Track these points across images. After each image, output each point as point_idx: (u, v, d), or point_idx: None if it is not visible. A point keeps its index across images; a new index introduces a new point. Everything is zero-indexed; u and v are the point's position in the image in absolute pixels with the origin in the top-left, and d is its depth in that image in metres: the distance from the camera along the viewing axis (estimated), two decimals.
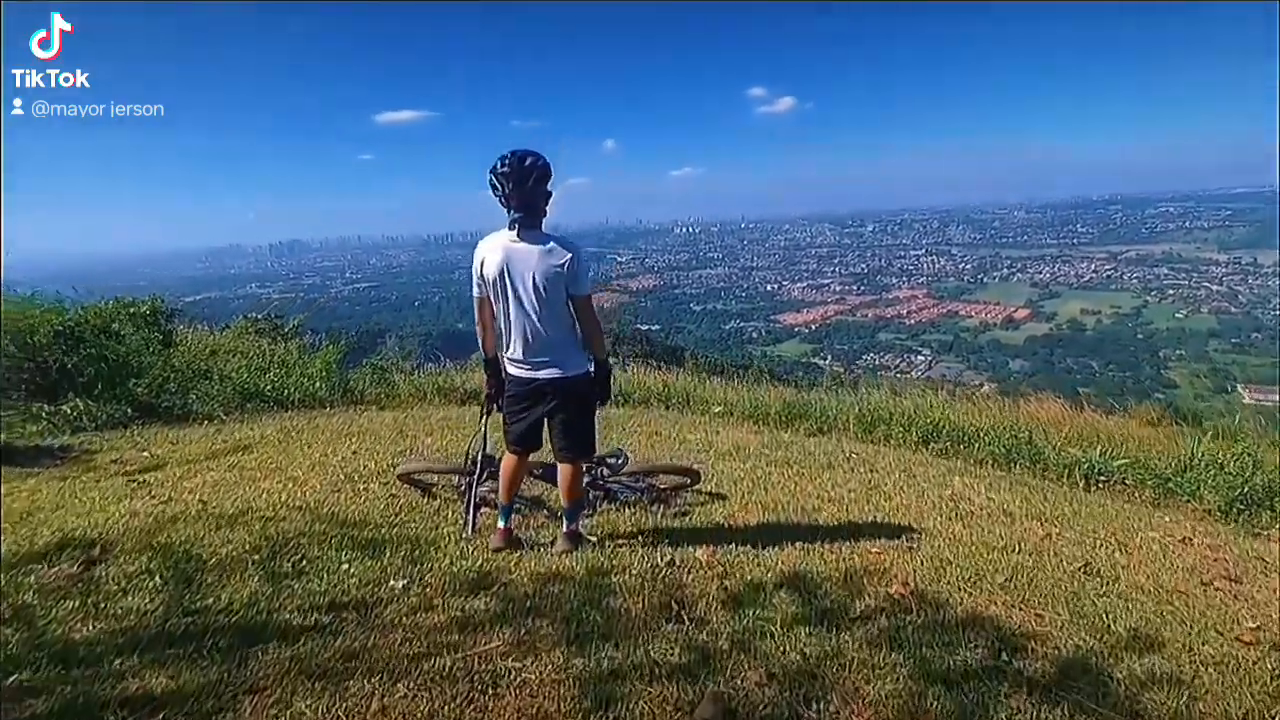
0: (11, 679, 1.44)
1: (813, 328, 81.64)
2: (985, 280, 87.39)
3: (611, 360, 2.56)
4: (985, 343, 71.71)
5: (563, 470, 2.62)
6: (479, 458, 2.82)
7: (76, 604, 1.84)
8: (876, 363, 70.94)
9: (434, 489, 3.34)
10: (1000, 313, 76.86)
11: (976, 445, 5.96)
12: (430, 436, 5.33)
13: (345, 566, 2.27)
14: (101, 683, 1.47)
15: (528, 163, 2.27)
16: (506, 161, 2.26)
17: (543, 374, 2.47)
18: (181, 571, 2.08)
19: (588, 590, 2.10)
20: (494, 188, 2.29)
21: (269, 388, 8.39)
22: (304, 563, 2.29)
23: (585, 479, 3.25)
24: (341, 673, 1.60)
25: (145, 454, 4.43)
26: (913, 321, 78.69)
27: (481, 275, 2.43)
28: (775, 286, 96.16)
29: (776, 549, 2.58)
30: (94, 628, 1.72)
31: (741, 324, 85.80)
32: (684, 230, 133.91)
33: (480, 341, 2.56)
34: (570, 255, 2.34)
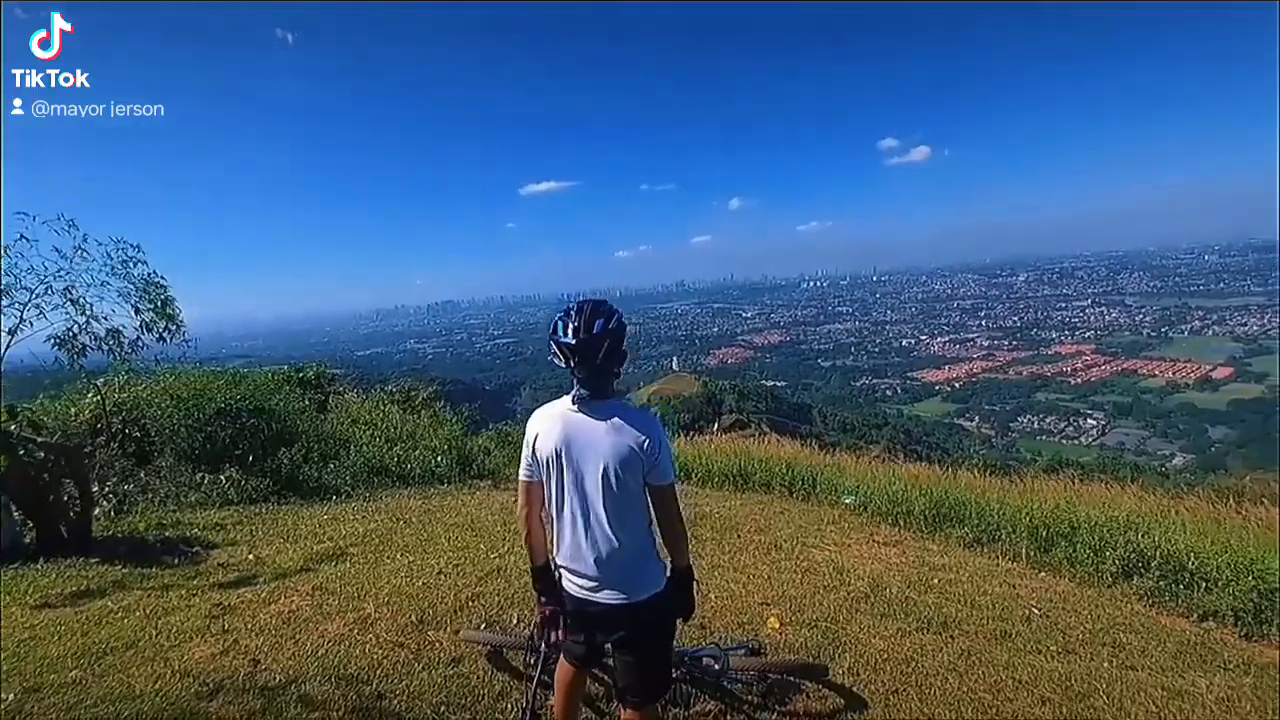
0: None
1: (956, 385, 74.77)
2: (1170, 334, 75.74)
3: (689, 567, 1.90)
4: (1174, 406, 61.53)
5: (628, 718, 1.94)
6: (540, 645, 2.28)
7: None
8: (1035, 426, 63.07)
9: (505, 654, 2.87)
10: (1194, 371, 65.88)
11: (1203, 589, 4.53)
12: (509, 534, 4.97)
13: None
14: None
15: (596, 330, 1.78)
16: (572, 330, 1.78)
17: (603, 596, 1.86)
18: None
19: None
20: (557, 356, 1.82)
21: (394, 462, 8.69)
22: None
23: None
24: None
25: (251, 556, 4.46)
26: (1079, 381, 69.51)
27: (534, 454, 1.90)
28: (912, 341, 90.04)
29: None
30: None
31: (874, 380, 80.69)
32: (811, 284, 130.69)
33: (526, 543, 2.00)
34: (648, 434, 1.79)
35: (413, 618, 3.26)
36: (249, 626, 3.15)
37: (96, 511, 6.06)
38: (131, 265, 7.18)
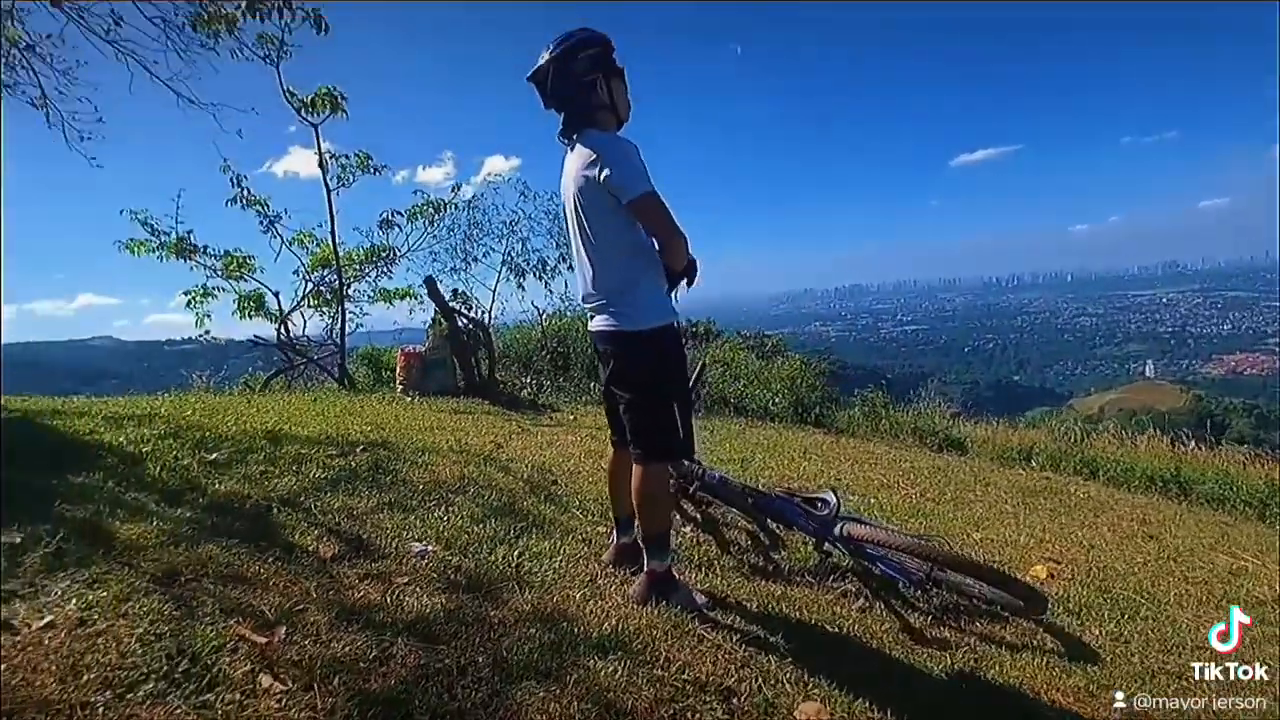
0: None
1: None
2: None
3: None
4: None
5: (633, 475, 1.81)
6: None
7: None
8: None
9: None
10: None
11: None
12: (806, 461, 4.75)
13: (447, 515, 2.23)
14: None
15: (540, 61, 1.77)
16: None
17: (595, 324, 1.86)
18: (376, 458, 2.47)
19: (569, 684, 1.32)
20: None
21: (734, 396, 9.35)
22: (420, 501, 2.37)
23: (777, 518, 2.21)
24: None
25: (571, 416, 5.55)
26: None
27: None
28: None
29: None
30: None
31: None
32: None
33: None
34: (596, 151, 1.69)
35: None
36: (527, 438, 4.04)
37: (523, 393, 8.30)
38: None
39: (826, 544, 2.23)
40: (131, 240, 7.38)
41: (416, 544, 1.92)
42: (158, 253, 7.50)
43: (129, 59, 4.30)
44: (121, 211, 7.46)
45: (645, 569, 1.81)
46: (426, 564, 1.80)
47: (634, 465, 1.83)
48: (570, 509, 2.52)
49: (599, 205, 1.74)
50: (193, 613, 1.26)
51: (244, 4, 5.93)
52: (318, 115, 7.31)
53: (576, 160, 1.77)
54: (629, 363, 1.81)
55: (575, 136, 1.80)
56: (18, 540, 1.42)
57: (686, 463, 2.54)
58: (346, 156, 7.80)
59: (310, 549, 1.79)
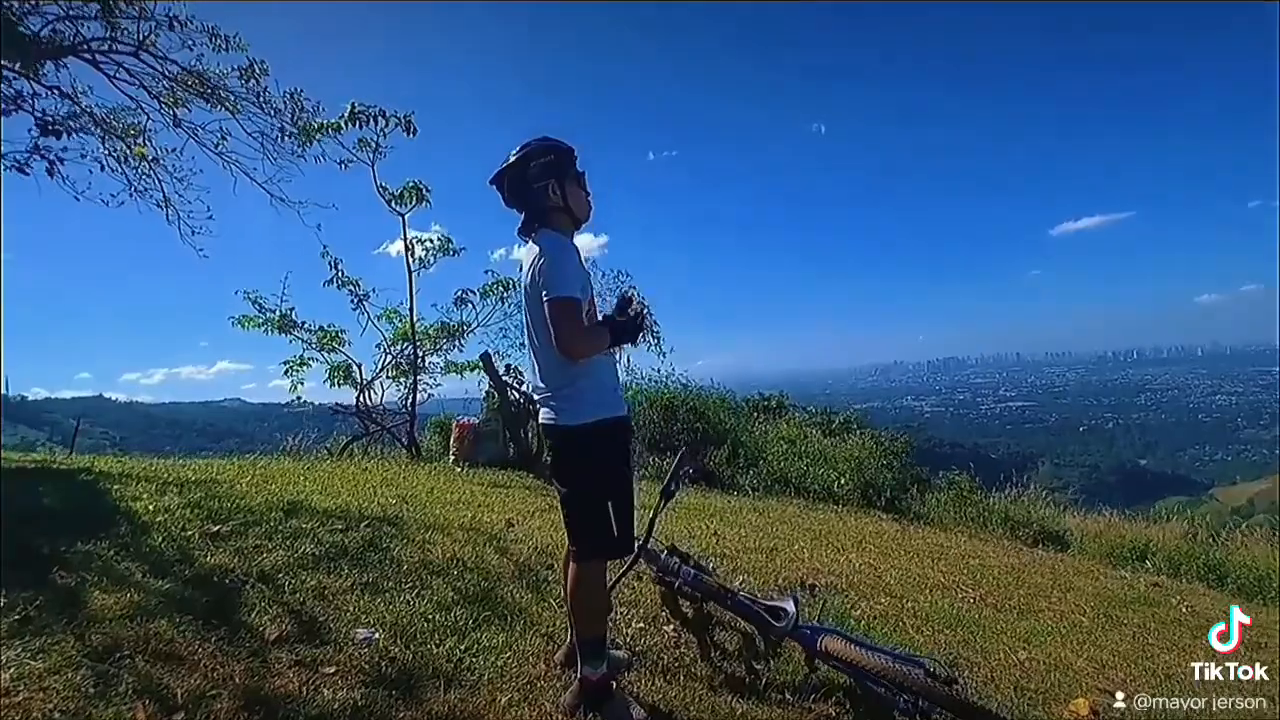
0: None
1: None
2: None
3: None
4: None
5: (569, 574, 1.78)
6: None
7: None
8: None
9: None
10: None
11: None
12: (858, 553, 4.44)
13: (415, 599, 2.17)
14: None
15: (504, 164, 1.89)
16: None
17: (541, 415, 1.88)
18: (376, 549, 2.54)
19: None
20: None
21: (795, 476, 8.93)
22: (396, 582, 2.32)
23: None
24: None
25: None
26: None
27: None
28: None
29: None
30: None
31: None
32: None
33: None
34: (539, 248, 1.79)
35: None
36: (548, 516, 3.89)
37: None
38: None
39: (817, 659, 2.03)
40: (244, 316, 8.32)
41: (362, 630, 1.92)
42: (264, 327, 8.39)
43: (233, 167, 5.01)
44: (236, 291, 8.47)
45: (579, 676, 1.72)
46: (365, 653, 1.80)
47: (570, 563, 1.79)
48: (550, 598, 2.45)
49: (536, 302, 1.80)
50: (106, 691, 1.33)
51: (346, 115, 6.82)
52: (405, 206, 8.12)
53: (527, 258, 1.88)
54: (563, 457, 1.84)
55: (532, 235, 1.90)
56: None
57: (665, 555, 2.43)
58: (432, 240, 8.53)
59: (259, 629, 1.84)
